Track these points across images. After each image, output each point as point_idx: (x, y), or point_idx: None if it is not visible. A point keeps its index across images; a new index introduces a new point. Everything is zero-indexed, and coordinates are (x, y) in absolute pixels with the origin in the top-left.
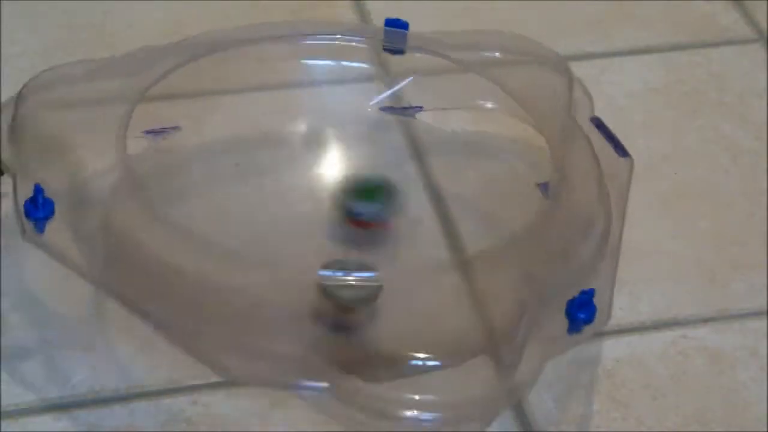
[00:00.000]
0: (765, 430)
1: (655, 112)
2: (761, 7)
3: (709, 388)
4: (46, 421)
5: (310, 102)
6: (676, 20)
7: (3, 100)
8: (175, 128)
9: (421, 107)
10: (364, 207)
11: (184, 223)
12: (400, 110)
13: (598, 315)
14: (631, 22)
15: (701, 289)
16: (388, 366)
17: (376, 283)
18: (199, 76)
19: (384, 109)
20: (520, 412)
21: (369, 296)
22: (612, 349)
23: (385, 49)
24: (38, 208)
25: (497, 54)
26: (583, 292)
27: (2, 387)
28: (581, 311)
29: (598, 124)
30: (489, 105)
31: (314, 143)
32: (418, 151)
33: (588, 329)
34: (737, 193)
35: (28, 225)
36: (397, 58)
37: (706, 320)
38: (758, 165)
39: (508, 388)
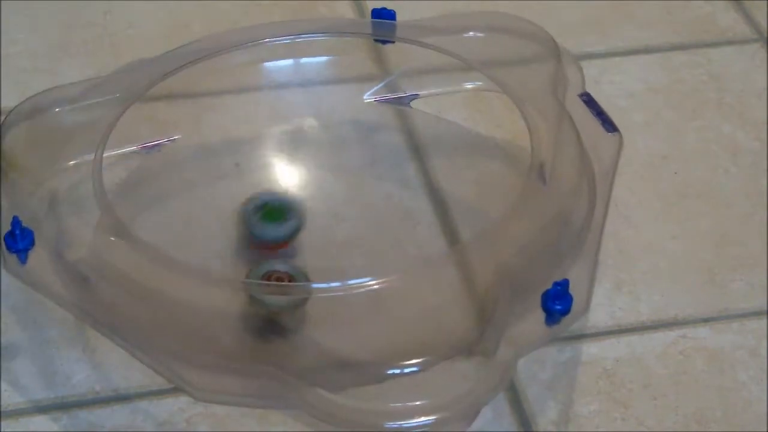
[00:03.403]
0: (765, 430)
1: (655, 112)
2: (761, 7)
3: (709, 388)
4: (46, 421)
5: (308, 101)
6: (676, 20)
7: (3, 99)
8: (171, 140)
9: (416, 94)
10: (267, 231)
11: (184, 227)
12: (396, 99)
13: (575, 304)
14: (631, 22)
15: (701, 289)
16: (358, 373)
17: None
18: (197, 77)
19: (380, 99)
20: (521, 412)
21: (296, 303)
22: (612, 349)
23: (375, 41)
24: (17, 241)
25: (486, 34)
26: (556, 284)
27: (2, 387)
28: (557, 302)
29: (588, 100)
30: (478, 85)
31: (314, 143)
32: (418, 152)
33: (566, 320)
34: (737, 193)
35: (10, 257)
36: (389, 51)
37: (706, 320)
38: (758, 165)
39: (487, 384)
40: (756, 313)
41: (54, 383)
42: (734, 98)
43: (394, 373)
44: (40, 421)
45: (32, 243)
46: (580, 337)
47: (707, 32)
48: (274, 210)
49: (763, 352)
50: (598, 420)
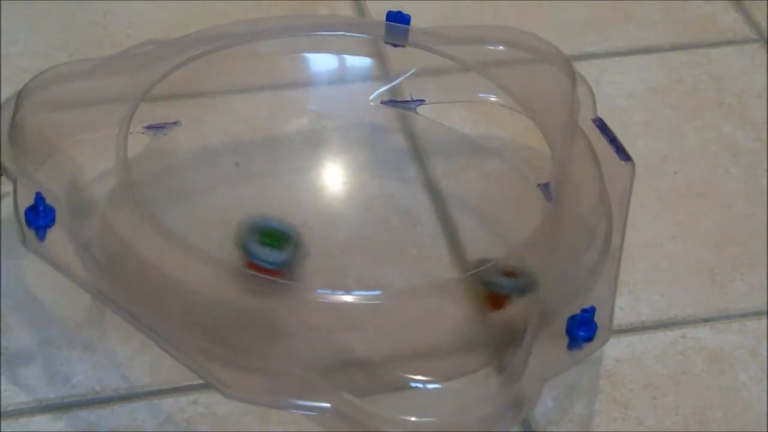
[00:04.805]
0: (765, 430)
1: (655, 112)
2: (761, 7)
3: (709, 388)
4: (46, 421)
5: (311, 100)
6: (676, 20)
7: (3, 99)
8: (175, 123)
9: (422, 100)
10: (269, 256)
11: (184, 227)
12: (402, 103)
13: (598, 332)
14: (631, 22)
15: (701, 289)
16: (386, 384)
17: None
18: (198, 75)
19: (385, 102)
20: None
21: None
22: (612, 349)
23: (387, 43)
24: (39, 217)
25: (500, 48)
26: (584, 311)
27: (2, 387)
28: (581, 329)
29: (601, 126)
30: (492, 98)
31: (315, 143)
32: (418, 152)
33: (588, 347)
34: (737, 193)
35: (29, 233)
36: (397, 54)
37: (706, 320)
38: (758, 165)
39: (511, 405)
40: (756, 313)
41: (54, 383)
42: (734, 98)
43: (417, 383)
44: (40, 421)
45: (53, 221)
46: None
47: (707, 32)
48: (273, 235)
49: (763, 352)
50: (598, 420)
